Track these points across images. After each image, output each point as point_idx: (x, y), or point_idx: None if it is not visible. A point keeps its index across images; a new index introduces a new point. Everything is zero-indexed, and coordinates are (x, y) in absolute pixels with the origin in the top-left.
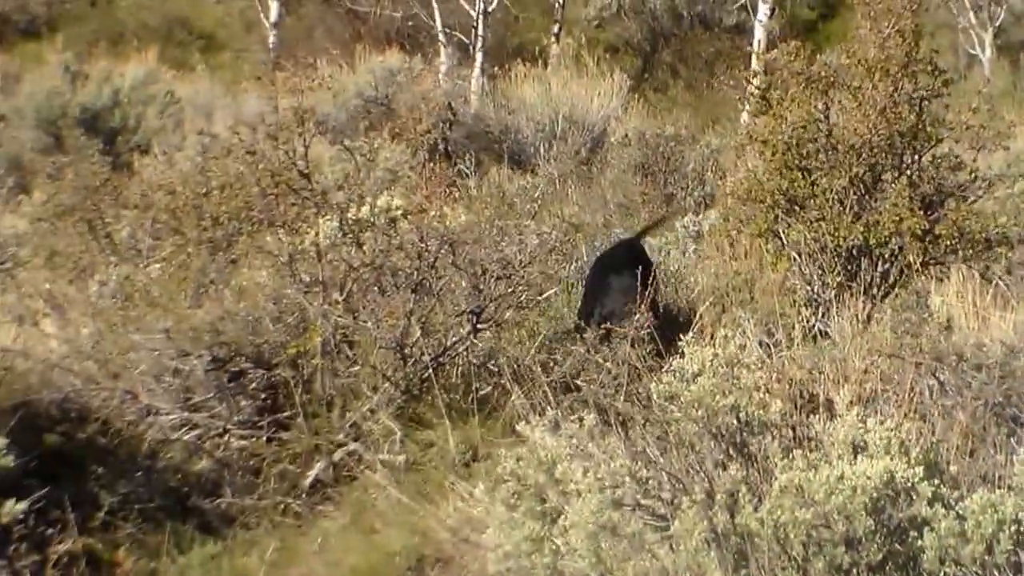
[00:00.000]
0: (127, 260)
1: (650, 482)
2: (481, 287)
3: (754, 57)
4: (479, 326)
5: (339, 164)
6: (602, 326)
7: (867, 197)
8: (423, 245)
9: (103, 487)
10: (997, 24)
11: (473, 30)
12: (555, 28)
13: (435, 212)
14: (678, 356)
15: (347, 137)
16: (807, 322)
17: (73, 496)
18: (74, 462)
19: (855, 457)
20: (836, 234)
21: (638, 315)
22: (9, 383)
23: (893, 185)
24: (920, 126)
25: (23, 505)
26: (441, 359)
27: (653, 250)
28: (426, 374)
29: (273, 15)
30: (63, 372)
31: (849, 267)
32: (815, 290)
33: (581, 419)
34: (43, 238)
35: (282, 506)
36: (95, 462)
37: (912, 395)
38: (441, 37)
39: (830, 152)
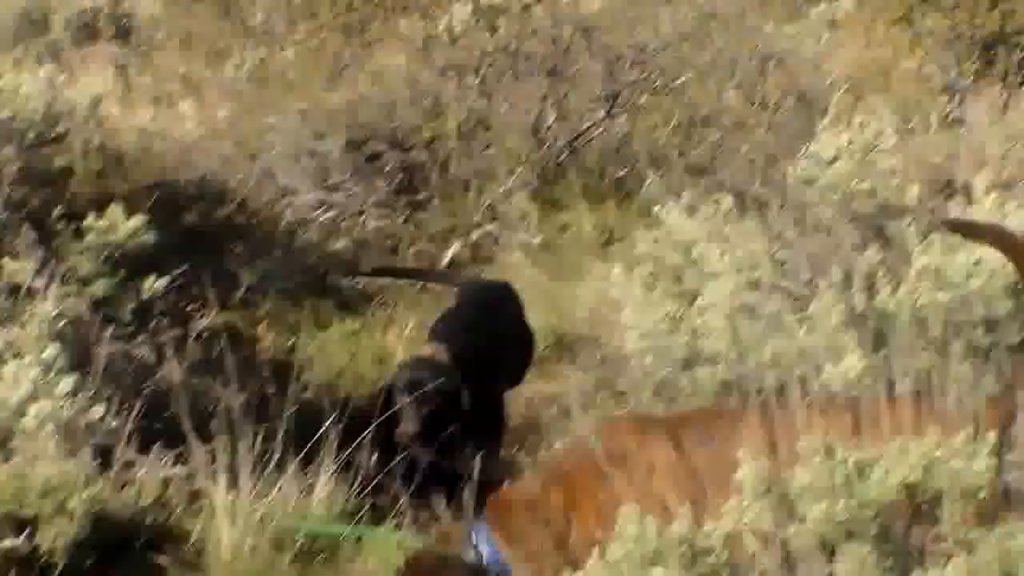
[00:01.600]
0: (262, 43)
1: (787, 264)
2: (615, 73)
3: None
4: (613, 111)
5: None
6: None
7: None
8: (557, 31)
9: (242, 265)
10: None
11: None
12: None
13: None
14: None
15: None
16: (943, 109)
17: (212, 274)
18: (212, 241)
19: None
20: (972, 21)
21: None
22: (147, 163)
23: None
24: None
25: (163, 281)
26: (576, 143)
27: None
28: (561, 158)
29: None
30: (200, 153)
31: (985, 55)
32: (951, 77)
33: (717, 202)
34: (178, 21)
35: (420, 285)
36: (233, 241)
37: None
38: None
39: None
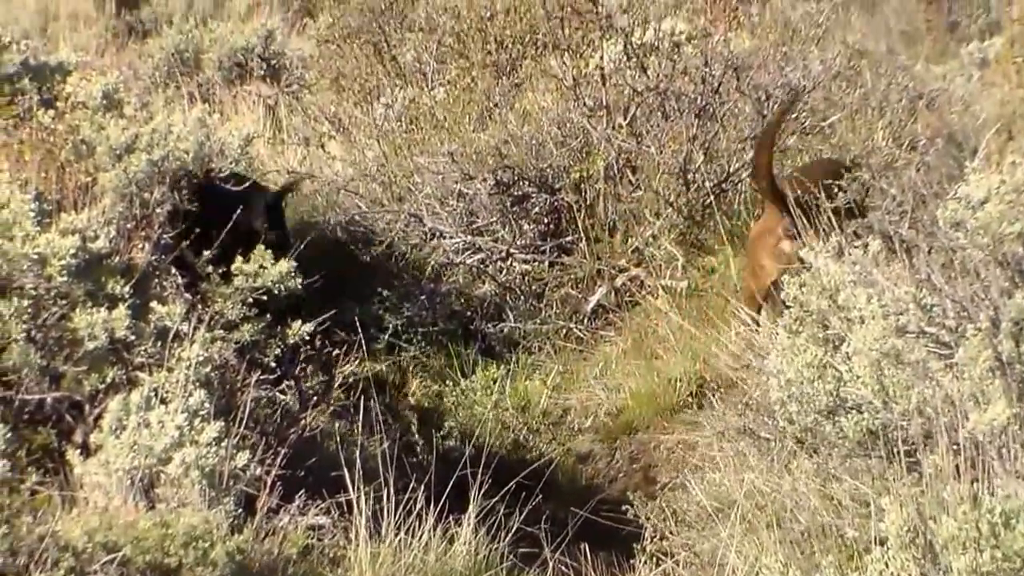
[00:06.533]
0: (412, 83)
1: (934, 309)
2: (765, 112)
3: None
4: None
5: None
6: None
7: None
8: (707, 70)
9: (388, 310)
10: None
11: None
12: None
13: (719, 36)
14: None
15: None
16: None
17: (358, 319)
18: (359, 285)
19: None
20: None
21: None
22: (295, 204)
23: None
24: None
25: (309, 326)
26: (724, 185)
27: None
28: (708, 200)
29: None
30: (348, 194)
31: None
32: None
33: (866, 245)
34: (328, 61)
35: (564, 331)
36: (380, 285)
37: None
38: None
39: None
